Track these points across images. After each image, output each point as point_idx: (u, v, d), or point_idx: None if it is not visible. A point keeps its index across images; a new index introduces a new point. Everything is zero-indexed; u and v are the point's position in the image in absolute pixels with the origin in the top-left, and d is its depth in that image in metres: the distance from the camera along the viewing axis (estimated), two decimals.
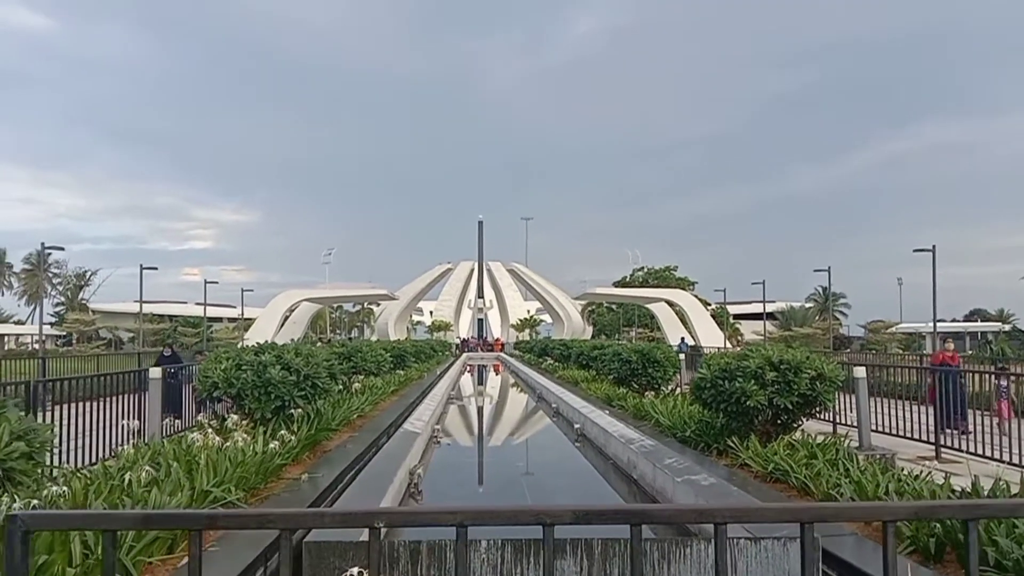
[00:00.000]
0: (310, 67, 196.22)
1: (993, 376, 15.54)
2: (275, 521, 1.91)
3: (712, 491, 7.19)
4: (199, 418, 11.32)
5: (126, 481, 6.86)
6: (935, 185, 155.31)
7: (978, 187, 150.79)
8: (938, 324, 42.10)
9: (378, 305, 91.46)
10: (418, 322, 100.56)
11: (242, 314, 64.79)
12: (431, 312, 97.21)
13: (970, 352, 57.57)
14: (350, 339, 66.26)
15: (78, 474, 7.70)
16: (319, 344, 32.92)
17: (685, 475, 7.94)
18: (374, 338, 65.79)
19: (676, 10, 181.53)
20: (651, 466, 9.18)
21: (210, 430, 9.11)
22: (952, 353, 17.64)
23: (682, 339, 48.65)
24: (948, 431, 12.25)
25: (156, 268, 52.46)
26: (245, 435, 9.19)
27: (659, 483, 8.69)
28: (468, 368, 46.93)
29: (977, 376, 16.35)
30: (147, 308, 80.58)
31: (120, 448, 9.03)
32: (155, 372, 10.35)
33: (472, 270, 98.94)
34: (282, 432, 9.66)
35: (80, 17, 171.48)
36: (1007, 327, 79.51)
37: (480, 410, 24.84)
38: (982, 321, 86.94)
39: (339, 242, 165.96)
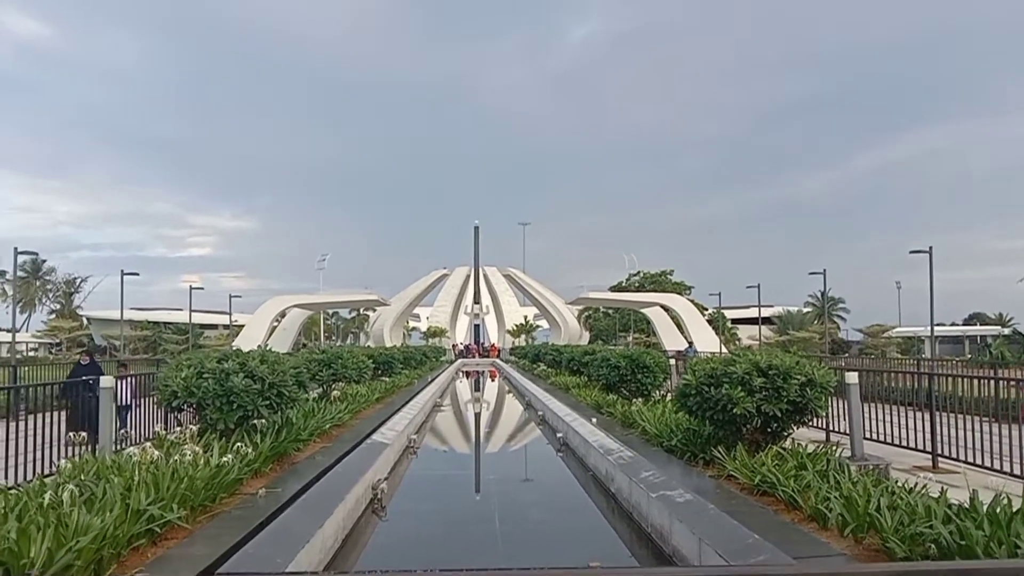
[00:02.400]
0: (310, 73, 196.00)
1: None
2: None
3: (687, 508, 6.62)
4: (156, 429, 10.77)
5: (46, 501, 6.28)
6: (933, 188, 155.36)
7: (975, 190, 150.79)
8: (937, 328, 41.57)
9: (374, 311, 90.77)
10: (414, 328, 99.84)
11: (231, 321, 64.16)
12: (427, 318, 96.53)
13: (969, 356, 57.10)
14: (335, 346, 65.60)
15: (7, 492, 7.13)
16: (304, 350, 32.34)
17: (660, 490, 7.37)
18: (370, 344, 65.10)
19: (676, 17, 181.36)
20: (627, 480, 8.61)
21: (148, 444, 8.51)
22: None
23: (690, 343, 47.68)
24: None
25: (138, 274, 51.93)
26: (196, 448, 8.62)
27: (635, 498, 8.12)
28: (461, 374, 46.22)
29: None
30: (141, 315, 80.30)
31: (60, 462, 8.46)
32: (106, 381, 9.77)
33: (468, 275, 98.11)
34: (238, 444, 9.12)
35: (78, 23, 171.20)
36: (1006, 330, 79.03)
37: (465, 418, 24.22)
38: (981, 325, 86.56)
39: (339, 248, 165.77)
